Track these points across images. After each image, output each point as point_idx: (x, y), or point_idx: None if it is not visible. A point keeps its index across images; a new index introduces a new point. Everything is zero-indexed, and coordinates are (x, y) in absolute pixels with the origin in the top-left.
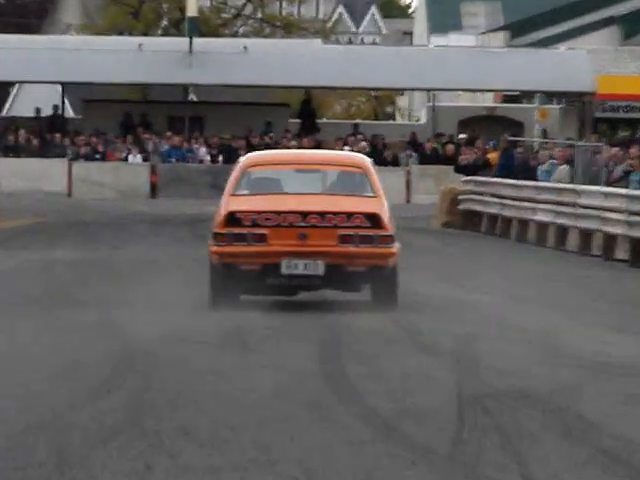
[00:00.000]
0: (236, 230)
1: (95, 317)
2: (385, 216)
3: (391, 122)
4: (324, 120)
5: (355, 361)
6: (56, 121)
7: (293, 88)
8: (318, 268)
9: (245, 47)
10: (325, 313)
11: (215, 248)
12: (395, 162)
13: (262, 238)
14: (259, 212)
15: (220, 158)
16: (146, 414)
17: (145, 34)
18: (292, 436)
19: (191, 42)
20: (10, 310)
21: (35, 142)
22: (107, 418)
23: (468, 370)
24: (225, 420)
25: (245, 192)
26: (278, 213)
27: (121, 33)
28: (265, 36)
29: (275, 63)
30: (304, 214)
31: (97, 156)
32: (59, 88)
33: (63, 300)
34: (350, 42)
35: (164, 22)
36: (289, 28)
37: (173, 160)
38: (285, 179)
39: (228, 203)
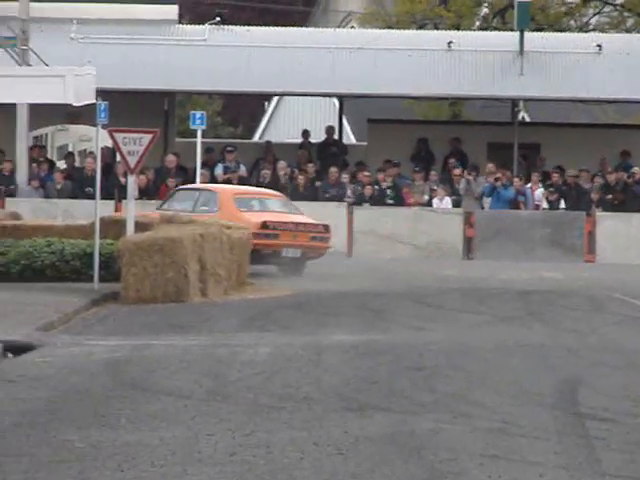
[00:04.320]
0: (265, 231)
1: (389, 429)
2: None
3: None
4: None
5: None
6: (331, 149)
7: None
8: (298, 253)
9: (599, 46)
10: None
11: (255, 240)
12: None
13: (276, 236)
14: (275, 222)
15: (562, 203)
16: None
17: (457, 27)
18: None
19: (522, 38)
20: (273, 419)
21: (300, 179)
22: None
23: None
24: None
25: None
26: (284, 223)
27: (422, 26)
28: (627, 30)
29: None
30: (296, 224)
31: (387, 199)
32: (336, 103)
33: (350, 403)
34: None
35: (484, 10)
36: None
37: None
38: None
39: (257, 217)
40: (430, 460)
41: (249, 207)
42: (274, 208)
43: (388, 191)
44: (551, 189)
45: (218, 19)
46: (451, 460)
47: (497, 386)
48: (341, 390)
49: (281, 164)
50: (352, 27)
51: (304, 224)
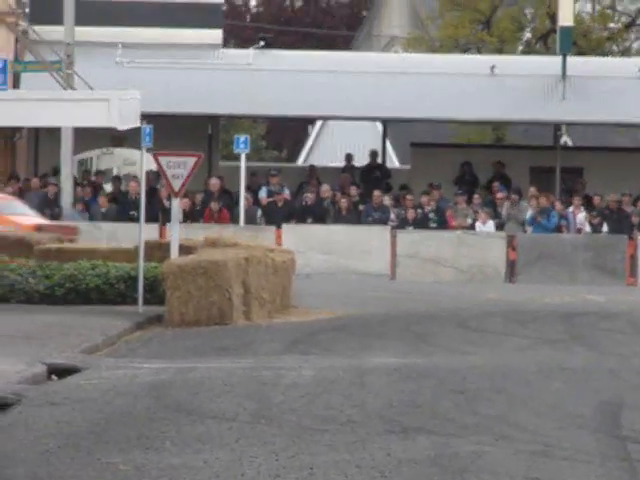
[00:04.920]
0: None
1: (432, 451)
2: None
3: None
4: None
5: None
6: (374, 173)
7: None
8: None
9: None
10: None
11: None
12: None
13: None
14: (46, 225)
15: (604, 227)
16: None
17: (500, 52)
18: None
19: (564, 63)
20: (310, 442)
21: (343, 202)
22: None
23: None
24: None
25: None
26: (49, 225)
27: (465, 51)
28: None
29: None
30: (59, 227)
31: (430, 222)
32: (379, 127)
33: (393, 426)
34: None
35: (526, 34)
36: None
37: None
38: None
39: (26, 220)
40: None
41: (10, 211)
42: (26, 212)
43: (431, 214)
44: (593, 213)
45: (262, 43)
46: None
47: (539, 409)
48: (384, 413)
49: (324, 187)
50: (396, 51)
51: (60, 226)
